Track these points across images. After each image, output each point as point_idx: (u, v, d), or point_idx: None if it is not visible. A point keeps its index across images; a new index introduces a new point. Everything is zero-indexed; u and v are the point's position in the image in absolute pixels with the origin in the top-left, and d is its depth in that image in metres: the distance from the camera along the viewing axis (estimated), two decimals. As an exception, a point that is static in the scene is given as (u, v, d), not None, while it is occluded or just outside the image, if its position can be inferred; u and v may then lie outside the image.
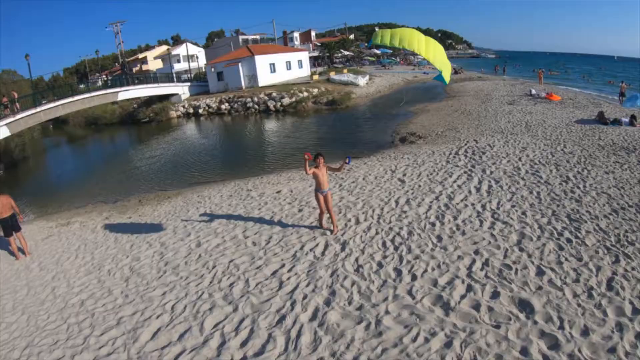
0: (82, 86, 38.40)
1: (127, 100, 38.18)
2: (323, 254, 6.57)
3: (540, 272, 5.43)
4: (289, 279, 5.89)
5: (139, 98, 38.80)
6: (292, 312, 5.03)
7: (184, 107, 37.47)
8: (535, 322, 4.44)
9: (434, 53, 6.52)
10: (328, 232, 7.36)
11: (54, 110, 27.09)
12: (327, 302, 5.13)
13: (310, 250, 6.75)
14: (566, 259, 5.74)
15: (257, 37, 62.04)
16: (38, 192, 17.52)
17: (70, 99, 28.51)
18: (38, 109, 25.22)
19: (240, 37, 58.50)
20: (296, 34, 70.69)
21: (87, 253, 8.64)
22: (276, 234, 7.67)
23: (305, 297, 5.32)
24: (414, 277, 5.51)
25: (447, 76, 6.76)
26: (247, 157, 18.49)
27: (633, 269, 5.39)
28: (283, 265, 6.34)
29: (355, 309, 4.93)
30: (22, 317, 6.40)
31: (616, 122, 14.60)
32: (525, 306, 4.74)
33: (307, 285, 5.62)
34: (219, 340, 4.80)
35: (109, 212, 12.04)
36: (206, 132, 29.33)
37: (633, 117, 14.62)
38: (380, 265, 5.95)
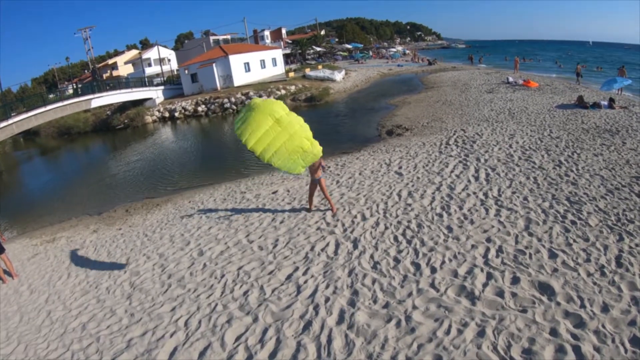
0: (52, 95, 36.93)
1: (101, 107, 37.43)
2: (336, 253, 6.58)
3: (552, 255, 5.67)
4: (306, 282, 5.86)
5: (112, 104, 38.10)
6: (317, 317, 5.01)
7: (159, 111, 36.94)
8: (558, 303, 4.64)
9: (274, 143, 6.32)
10: (336, 230, 7.39)
11: (27, 121, 26.31)
12: (352, 303, 5.15)
13: (322, 250, 6.75)
14: (574, 240, 6.01)
15: (228, 37, 61.46)
16: (16, 208, 16.79)
17: (42, 109, 27.80)
18: (10, 122, 24.37)
19: (211, 38, 57.96)
20: (267, 32, 70.43)
21: (79, 271, 8.32)
22: (282, 236, 7.62)
23: (327, 299, 5.32)
24: (433, 270, 5.62)
25: (292, 166, 6.53)
26: (231, 159, 18.30)
27: (637, 245, 5.73)
28: (297, 269, 6.30)
29: (381, 307, 4.98)
30: (18, 348, 6.04)
31: (596, 105, 15.34)
32: (545, 289, 4.94)
33: (327, 287, 5.62)
34: (244, 354, 4.69)
35: (95, 224, 11.65)
36: (185, 135, 28.91)
37: (611, 100, 15.42)
38: (397, 260, 6.03)
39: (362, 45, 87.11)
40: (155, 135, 30.69)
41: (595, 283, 4.96)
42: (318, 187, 8.36)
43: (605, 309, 4.49)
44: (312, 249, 6.88)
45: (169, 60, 57.76)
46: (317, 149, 6.69)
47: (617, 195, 7.48)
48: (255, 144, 6.22)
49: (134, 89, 37.63)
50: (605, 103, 15.35)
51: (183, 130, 31.02)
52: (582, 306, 4.57)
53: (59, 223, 12.83)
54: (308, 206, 8.76)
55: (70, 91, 39.99)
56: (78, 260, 8.93)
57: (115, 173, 19.71)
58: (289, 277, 6.14)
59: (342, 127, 20.88)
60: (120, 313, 6.28)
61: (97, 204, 14.38)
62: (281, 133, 6.37)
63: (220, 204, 10.74)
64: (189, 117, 35.21)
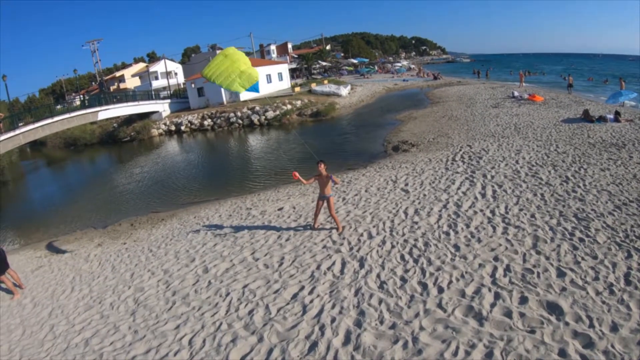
0: (59, 107, 37.93)
1: (107, 119, 38.10)
2: (342, 272, 6.63)
3: (561, 274, 5.68)
4: (311, 301, 5.91)
5: (119, 117, 38.84)
6: (323, 338, 5.04)
7: (165, 124, 37.62)
8: (567, 323, 4.64)
9: (222, 70, 7.93)
10: (342, 249, 7.45)
11: (34, 132, 26.78)
12: (358, 324, 5.18)
13: (328, 269, 6.80)
14: (582, 258, 6.02)
15: (235, 51, 62.54)
16: (21, 218, 17.08)
17: (49, 120, 28.31)
18: (17, 132, 24.92)
19: (218, 52, 58.93)
20: (273, 47, 71.77)
21: (83, 285, 8.42)
22: (288, 254, 7.69)
23: (333, 320, 5.35)
24: (440, 290, 5.65)
25: (238, 84, 7.93)
26: (237, 174, 18.52)
27: (646, 262, 5.72)
28: (302, 288, 6.36)
29: (388, 327, 5.00)
30: (21, 363, 6.14)
31: (602, 119, 15.42)
32: (554, 308, 4.94)
33: (333, 307, 5.66)
34: (250, 374, 4.74)
35: (100, 238, 11.82)
36: (191, 149, 29.31)
37: (617, 113, 15.49)
38: (403, 279, 6.07)
39: (367, 60, 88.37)
40: (161, 149, 31.19)
41: (604, 302, 4.96)
42: (325, 205, 8.42)
43: (614, 328, 4.49)
44: (318, 267, 6.93)
45: (176, 73, 59.05)
46: (254, 71, 8.12)
47: (625, 211, 7.50)
48: (206, 72, 8.01)
49: (141, 102, 38.36)
50: (611, 116, 15.43)
51: (189, 144, 31.51)
52: (591, 326, 4.57)
53: (63, 235, 13.04)
54: (313, 223, 8.82)
55: (78, 103, 41.05)
56: (82, 274, 9.06)
57: (121, 186, 19.99)
58: (294, 296, 6.19)
59: (348, 142, 21.09)
60: (124, 329, 6.33)
61: (102, 216, 14.58)
62: (224, 61, 7.96)
63: (226, 220, 10.87)
64: (195, 130, 35.77)
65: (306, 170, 12.12)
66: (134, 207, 15.33)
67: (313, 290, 6.21)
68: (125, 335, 6.17)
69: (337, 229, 8.39)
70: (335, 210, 9.47)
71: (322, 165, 8.06)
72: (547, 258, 6.14)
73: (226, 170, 20.22)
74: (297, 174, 8.12)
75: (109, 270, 8.94)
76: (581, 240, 6.58)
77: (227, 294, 6.67)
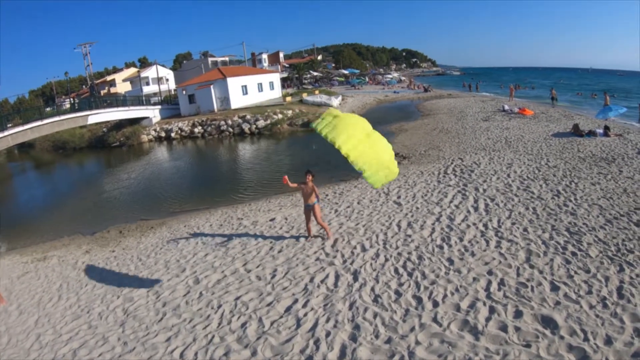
0: (48, 109, 37.70)
1: (97, 123, 38.16)
2: (336, 285, 6.65)
3: (554, 288, 5.80)
4: (305, 315, 5.90)
5: (108, 122, 38.82)
6: (318, 352, 5.03)
7: (155, 130, 37.58)
8: (562, 337, 4.73)
9: (368, 153, 6.60)
10: (336, 262, 7.47)
11: (22, 134, 26.80)
12: (353, 338, 5.19)
13: (322, 282, 6.81)
14: (575, 272, 6.16)
15: (227, 58, 63.40)
16: (7, 222, 16.72)
17: (39, 123, 28.34)
18: (6, 133, 24.96)
19: (210, 59, 59.66)
20: (265, 56, 72.53)
21: (71, 293, 8.29)
22: (280, 266, 7.67)
23: (328, 334, 5.35)
24: (435, 304, 5.70)
25: (378, 179, 6.68)
26: (228, 183, 18.50)
27: (637, 275, 5.90)
28: (296, 301, 6.34)
29: (383, 342, 5.02)
30: (5, 376, 5.99)
31: (591, 133, 15.89)
32: (548, 322, 5.03)
33: (327, 320, 5.66)
34: (243, 389, 4.71)
35: (88, 245, 11.74)
36: (181, 156, 29.33)
37: (607, 127, 15.99)
38: (398, 293, 6.11)
39: (358, 71, 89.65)
40: (150, 155, 31.17)
41: (597, 315, 5.08)
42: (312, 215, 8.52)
43: (608, 341, 4.59)
44: (311, 280, 6.94)
45: (167, 80, 59.30)
46: (396, 168, 7.10)
47: (616, 224, 7.70)
48: (349, 150, 6.50)
49: (131, 107, 38.52)
50: (601, 131, 15.91)
51: (179, 151, 31.54)
52: (586, 339, 4.66)
53: (50, 241, 12.94)
54: (307, 234, 8.87)
55: (68, 106, 40.88)
56: (69, 281, 8.93)
57: (109, 192, 19.92)
58: (288, 309, 6.18)
59: (339, 153, 21.18)
60: (113, 341, 6.22)
61: (90, 222, 14.52)
62: (371, 147, 6.74)
63: (217, 230, 10.82)
64: (185, 138, 35.77)
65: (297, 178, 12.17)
66: (123, 214, 15.25)
67: (307, 304, 6.21)
68: (114, 346, 6.07)
69: (327, 236, 8.53)
70: (328, 222, 9.52)
71: (310, 177, 8.27)
72: (541, 272, 6.26)
73: (216, 179, 20.19)
74: (286, 178, 8.31)
75: (97, 279, 8.82)
76: (574, 254, 6.73)
77: (219, 306, 6.62)
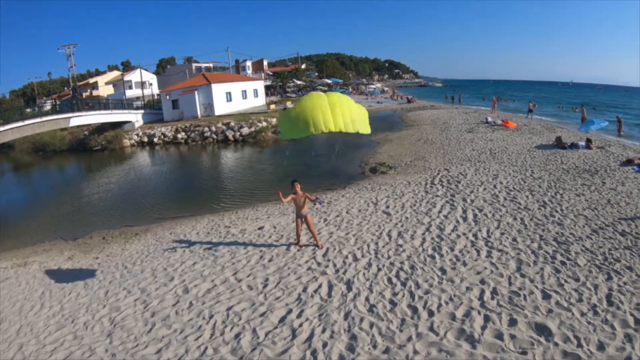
0: (29, 110, 36.63)
1: (79, 126, 37.34)
2: (329, 295, 6.65)
3: (546, 296, 5.98)
4: (300, 325, 5.87)
5: (90, 125, 38.24)
6: (315, 363, 5.03)
7: (138, 135, 37.11)
8: (556, 344, 4.89)
9: (345, 116, 6.43)
10: (328, 271, 7.48)
11: (3, 135, 26.23)
12: (351, 349, 5.19)
13: (315, 291, 6.80)
14: (565, 281, 6.38)
15: (211, 65, 63.25)
16: None
17: (19, 124, 27.73)
18: None
19: (194, 65, 59.48)
20: (249, 63, 72.65)
21: (54, 301, 8.02)
22: (272, 276, 7.62)
23: (325, 345, 5.34)
24: (431, 313, 5.78)
25: (365, 128, 6.76)
26: (212, 190, 18.32)
27: (625, 283, 6.17)
28: (290, 311, 6.31)
29: (382, 352, 5.05)
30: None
31: (574, 146, 16.54)
32: (542, 330, 5.19)
33: (323, 331, 5.65)
34: (239, 402, 4.64)
35: (70, 251, 11.43)
36: (163, 162, 29.00)
37: (589, 140, 16.67)
38: (393, 303, 6.17)
39: (341, 81, 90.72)
40: (132, 160, 30.80)
41: (589, 322, 5.27)
42: (304, 223, 8.59)
43: (601, 347, 4.78)
44: (304, 290, 6.92)
45: (150, 84, 58.64)
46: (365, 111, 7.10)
47: (602, 234, 8.03)
48: (334, 125, 6.23)
49: (114, 111, 37.99)
50: (583, 143, 16.58)
51: (161, 157, 31.19)
52: (579, 345, 4.83)
53: (31, 246, 12.55)
54: (297, 243, 8.89)
55: (49, 107, 39.90)
56: (52, 289, 8.65)
57: (91, 196, 19.55)
58: (282, 319, 6.13)
59: (324, 162, 21.31)
60: (100, 352, 6.02)
61: (72, 227, 14.20)
62: (343, 106, 6.52)
63: (204, 238, 10.68)
64: (168, 143, 35.40)
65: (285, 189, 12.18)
66: (106, 220, 14.95)
67: (301, 314, 6.18)
68: (102, 358, 5.88)
69: (317, 246, 8.61)
70: (318, 231, 9.54)
71: (298, 185, 8.36)
72: (532, 281, 6.45)
73: (200, 186, 19.97)
74: (280, 194, 8.37)
75: (81, 286, 8.56)
76: (563, 263, 6.97)
77: (211, 316, 6.51)
